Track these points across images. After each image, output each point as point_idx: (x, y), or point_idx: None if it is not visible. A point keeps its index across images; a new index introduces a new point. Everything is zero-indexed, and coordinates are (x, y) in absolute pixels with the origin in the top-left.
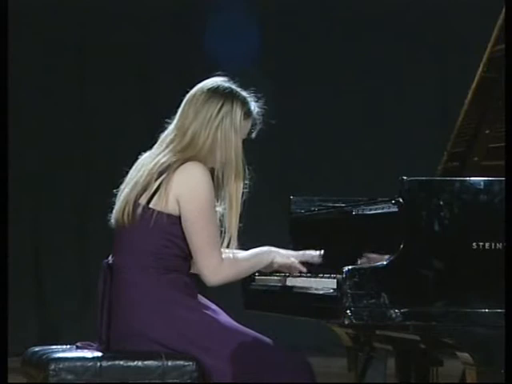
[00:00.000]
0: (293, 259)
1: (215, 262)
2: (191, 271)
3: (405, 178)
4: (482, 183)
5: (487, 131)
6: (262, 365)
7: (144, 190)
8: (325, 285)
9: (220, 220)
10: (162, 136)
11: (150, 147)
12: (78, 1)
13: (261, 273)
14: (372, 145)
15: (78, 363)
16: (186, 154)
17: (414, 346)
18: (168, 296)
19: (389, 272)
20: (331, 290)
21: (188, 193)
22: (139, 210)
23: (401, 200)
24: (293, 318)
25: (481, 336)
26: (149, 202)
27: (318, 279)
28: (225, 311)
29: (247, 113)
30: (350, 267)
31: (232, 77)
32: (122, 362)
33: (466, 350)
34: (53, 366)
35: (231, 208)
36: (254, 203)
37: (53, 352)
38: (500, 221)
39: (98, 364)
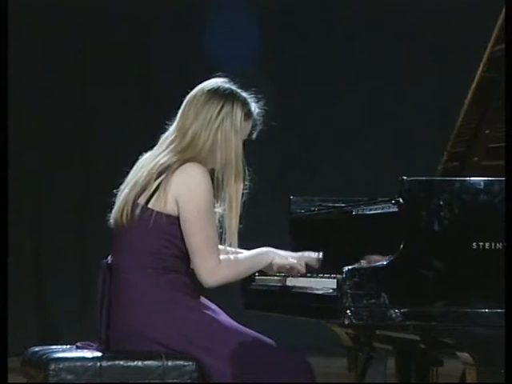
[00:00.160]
0: (292, 260)
1: (213, 263)
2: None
3: (405, 177)
4: (481, 183)
5: (487, 131)
6: (262, 365)
7: (143, 190)
8: (325, 285)
9: (219, 221)
10: (163, 137)
11: (151, 148)
12: (78, 1)
13: (261, 273)
14: (372, 145)
15: (78, 363)
16: (185, 154)
17: (414, 346)
18: (168, 296)
19: (389, 272)
20: (331, 290)
21: (187, 193)
22: (138, 210)
23: (401, 200)
24: (293, 318)
25: (481, 336)
26: (148, 202)
27: (317, 279)
28: (225, 311)
29: (247, 114)
30: (349, 267)
31: (232, 77)
32: (121, 362)
33: (466, 350)
34: (53, 366)
35: (231, 209)
36: (254, 203)
37: (53, 352)
38: (500, 221)
39: (98, 364)
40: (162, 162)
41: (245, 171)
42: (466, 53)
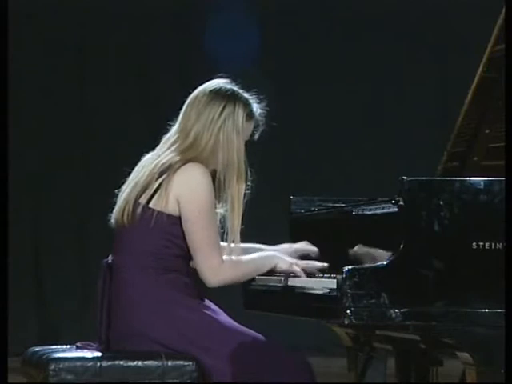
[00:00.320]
0: (296, 268)
1: (215, 262)
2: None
3: (405, 177)
4: (481, 183)
5: (487, 131)
6: (262, 365)
7: (144, 189)
8: (325, 285)
9: (221, 222)
10: (165, 137)
11: (152, 148)
12: (78, 1)
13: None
14: (372, 145)
15: (78, 363)
16: (187, 155)
17: (414, 346)
18: (168, 296)
19: (389, 272)
20: (331, 290)
21: (188, 193)
22: (139, 209)
23: (401, 200)
24: (293, 318)
25: (481, 336)
26: (149, 201)
27: (317, 279)
28: (225, 311)
29: (249, 114)
30: (349, 267)
31: (232, 77)
32: (121, 362)
33: (466, 350)
34: (53, 366)
35: (233, 209)
36: (254, 203)
37: (53, 352)
38: (500, 221)
39: (98, 364)
40: (163, 161)
41: (247, 172)
42: (466, 53)
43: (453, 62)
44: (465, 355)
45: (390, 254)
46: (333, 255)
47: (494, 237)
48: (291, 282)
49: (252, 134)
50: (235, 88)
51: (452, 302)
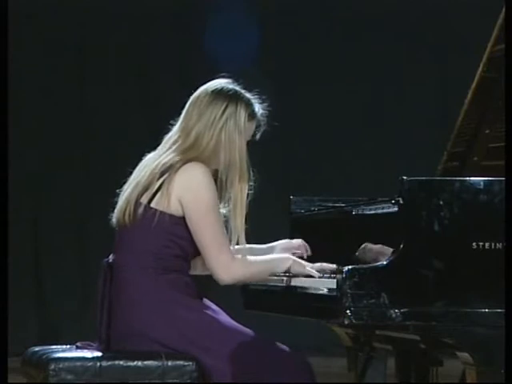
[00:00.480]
0: (309, 269)
1: (225, 258)
2: (196, 273)
3: (405, 177)
4: (481, 183)
5: (487, 131)
6: (262, 365)
7: (145, 189)
8: (325, 285)
9: (224, 222)
10: (166, 137)
11: (153, 148)
12: (78, 1)
13: None
14: (372, 145)
15: (78, 363)
16: (188, 154)
17: (414, 346)
18: (168, 296)
19: (389, 272)
20: (331, 290)
21: (190, 193)
22: (140, 209)
23: (401, 200)
24: (293, 318)
25: (481, 336)
26: (150, 201)
27: (317, 279)
28: (225, 311)
29: (251, 114)
30: (349, 267)
31: (233, 78)
32: (121, 362)
33: (466, 350)
34: (53, 366)
35: (236, 210)
36: (254, 204)
37: (53, 352)
38: (500, 221)
39: (98, 364)
40: (164, 161)
41: (249, 172)
42: (466, 53)
43: (453, 62)
44: (465, 355)
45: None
46: (333, 255)
47: (494, 237)
48: (291, 281)
49: (254, 134)
50: (237, 88)
51: (452, 302)
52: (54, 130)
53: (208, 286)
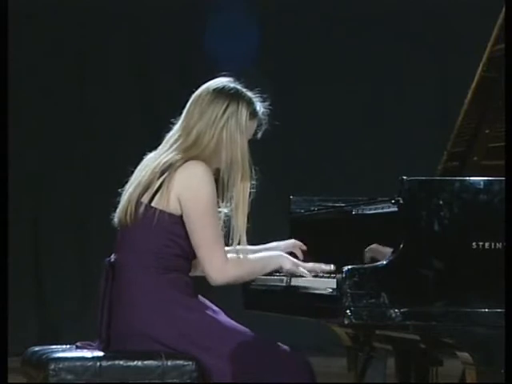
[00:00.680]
0: (301, 269)
1: (219, 259)
2: (196, 274)
3: (405, 177)
4: (481, 183)
5: (487, 131)
6: (262, 365)
7: (146, 188)
8: (325, 284)
9: (225, 221)
10: (167, 136)
11: (153, 148)
12: (78, 1)
13: None
14: (372, 145)
15: (78, 363)
16: (189, 153)
17: (414, 346)
18: (168, 296)
19: (389, 272)
20: (331, 290)
21: (189, 191)
22: (141, 208)
23: (401, 200)
24: (293, 318)
25: (481, 336)
26: (151, 200)
27: (317, 279)
28: (225, 311)
29: (253, 113)
30: (349, 267)
31: (235, 78)
32: (121, 362)
33: (466, 350)
34: (52, 366)
35: (238, 208)
36: (254, 203)
37: (52, 352)
38: (500, 221)
39: (98, 364)
40: (165, 160)
41: (251, 170)
42: (466, 53)
43: (453, 62)
44: (465, 355)
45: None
46: (333, 255)
47: (493, 237)
48: (291, 281)
49: (255, 133)
50: (238, 87)
51: (452, 302)
52: (54, 130)
53: (208, 286)
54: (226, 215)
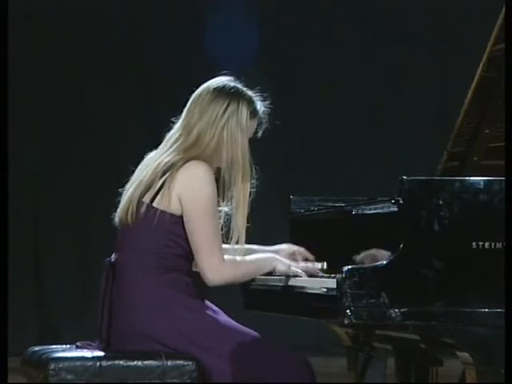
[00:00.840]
0: (294, 269)
1: (216, 261)
2: (195, 270)
3: (405, 177)
4: (481, 183)
5: (487, 131)
6: (262, 365)
7: (148, 188)
8: (325, 284)
9: (226, 220)
10: (168, 136)
11: (154, 148)
12: (78, 1)
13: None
14: (372, 145)
15: (78, 363)
16: (190, 153)
17: (414, 346)
18: (169, 296)
19: (389, 272)
20: (331, 290)
21: (190, 192)
22: (143, 208)
23: (401, 200)
24: (293, 318)
25: (481, 336)
26: (152, 200)
27: (317, 279)
28: (225, 311)
29: (253, 112)
30: (349, 267)
31: (235, 77)
32: (121, 362)
33: (466, 350)
34: (52, 366)
35: (238, 208)
36: (254, 203)
37: (52, 352)
38: (500, 221)
39: (98, 364)
40: (166, 160)
41: (252, 170)
42: (466, 53)
43: (453, 61)
44: (465, 355)
45: (389, 253)
46: (332, 255)
47: (493, 237)
48: (291, 281)
49: (255, 132)
50: (239, 86)
51: (452, 302)
52: (54, 130)
53: (208, 286)
54: (227, 214)
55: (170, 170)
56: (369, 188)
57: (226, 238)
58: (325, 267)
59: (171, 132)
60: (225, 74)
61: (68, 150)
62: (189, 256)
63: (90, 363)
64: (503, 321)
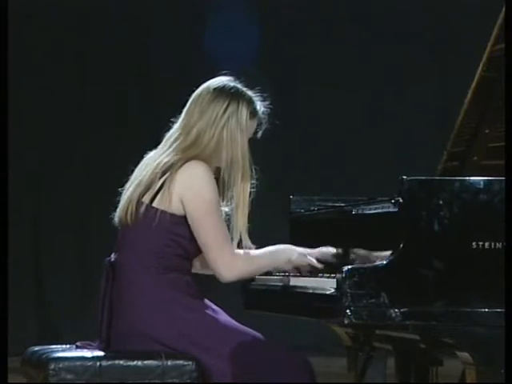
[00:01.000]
0: (311, 259)
1: (227, 256)
2: (195, 271)
3: (405, 177)
4: (481, 183)
5: (487, 131)
6: (262, 365)
7: (147, 188)
8: (325, 284)
9: (226, 221)
10: (167, 135)
11: (155, 147)
12: (78, 1)
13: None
14: (372, 145)
15: (78, 363)
16: (189, 153)
17: (414, 346)
18: (169, 296)
19: (389, 272)
20: (331, 290)
21: (191, 192)
22: (142, 208)
23: (401, 199)
24: (293, 318)
25: (481, 336)
26: (152, 200)
27: (317, 279)
28: (225, 311)
29: (253, 112)
30: (349, 267)
31: (236, 76)
32: (121, 362)
33: (466, 350)
34: (52, 366)
35: (238, 208)
36: (254, 203)
37: (52, 352)
38: (500, 220)
39: (98, 364)
40: (165, 160)
41: (252, 170)
42: (466, 53)
43: (453, 61)
44: (465, 355)
45: (389, 254)
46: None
47: (493, 236)
48: (291, 281)
49: (255, 132)
50: (239, 86)
51: (452, 302)
52: (54, 129)
53: (208, 286)
54: (227, 214)
55: (169, 170)
56: (369, 188)
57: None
58: (338, 250)
59: (171, 132)
60: (225, 74)
61: (68, 150)
62: (189, 256)
63: (90, 363)
64: (503, 321)
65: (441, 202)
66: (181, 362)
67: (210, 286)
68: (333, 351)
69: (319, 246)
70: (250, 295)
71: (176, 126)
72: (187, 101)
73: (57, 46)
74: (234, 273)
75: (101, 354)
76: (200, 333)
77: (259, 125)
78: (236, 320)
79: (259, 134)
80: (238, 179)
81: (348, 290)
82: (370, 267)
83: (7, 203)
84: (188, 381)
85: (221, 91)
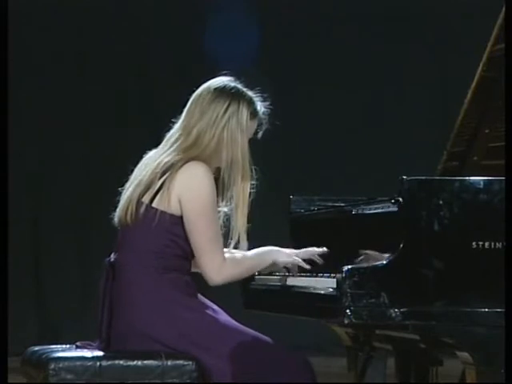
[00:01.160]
0: (295, 258)
1: (217, 261)
2: (194, 270)
3: (405, 177)
4: (481, 183)
5: (487, 131)
6: (262, 364)
7: (147, 188)
8: (325, 284)
9: (225, 220)
10: (168, 135)
11: (155, 146)
12: (78, 1)
13: (260, 272)
14: (372, 145)
15: (78, 363)
16: (190, 153)
17: (414, 346)
18: (169, 296)
19: (389, 271)
20: (331, 290)
21: (190, 192)
22: (142, 208)
23: (400, 199)
24: (293, 318)
25: (481, 336)
26: (152, 200)
27: (317, 279)
28: (225, 311)
29: (253, 113)
30: (349, 267)
31: (236, 76)
32: (121, 362)
33: (466, 350)
34: (52, 366)
35: (238, 208)
36: (253, 203)
37: (52, 352)
38: (500, 220)
39: (98, 363)
40: (165, 160)
41: (252, 170)
42: (466, 53)
43: (453, 62)
44: (465, 355)
45: (388, 254)
46: (332, 255)
47: (493, 236)
48: (291, 281)
49: (255, 132)
50: (239, 86)
51: (452, 302)
52: (54, 129)
53: (208, 285)
54: (226, 214)
55: (169, 170)
56: (369, 188)
57: (226, 238)
58: (325, 250)
59: (171, 132)
60: (225, 74)
61: (68, 150)
62: (189, 256)
63: (90, 363)
64: (503, 321)
65: (441, 202)
66: (181, 362)
67: (210, 285)
68: (333, 351)
69: (319, 246)
70: (249, 295)
71: (176, 126)
72: (187, 101)
73: (57, 45)
74: (221, 276)
75: (101, 354)
76: (200, 333)
77: (259, 125)
78: (236, 320)
79: (259, 135)
80: (238, 179)
81: (348, 290)
82: (369, 267)
83: (7, 203)
84: (188, 381)
85: (221, 91)
